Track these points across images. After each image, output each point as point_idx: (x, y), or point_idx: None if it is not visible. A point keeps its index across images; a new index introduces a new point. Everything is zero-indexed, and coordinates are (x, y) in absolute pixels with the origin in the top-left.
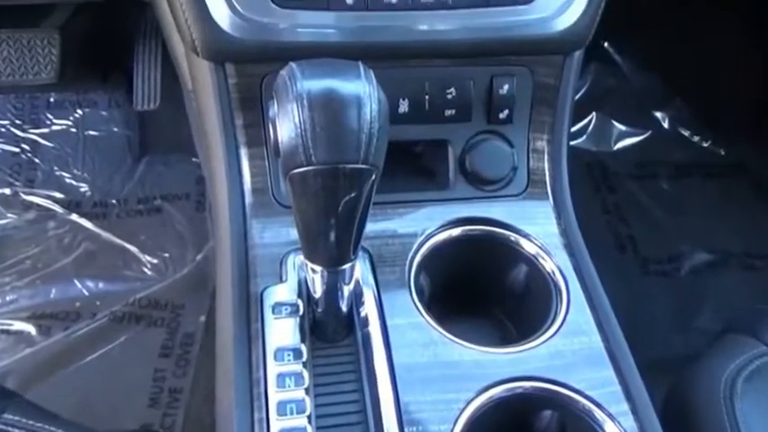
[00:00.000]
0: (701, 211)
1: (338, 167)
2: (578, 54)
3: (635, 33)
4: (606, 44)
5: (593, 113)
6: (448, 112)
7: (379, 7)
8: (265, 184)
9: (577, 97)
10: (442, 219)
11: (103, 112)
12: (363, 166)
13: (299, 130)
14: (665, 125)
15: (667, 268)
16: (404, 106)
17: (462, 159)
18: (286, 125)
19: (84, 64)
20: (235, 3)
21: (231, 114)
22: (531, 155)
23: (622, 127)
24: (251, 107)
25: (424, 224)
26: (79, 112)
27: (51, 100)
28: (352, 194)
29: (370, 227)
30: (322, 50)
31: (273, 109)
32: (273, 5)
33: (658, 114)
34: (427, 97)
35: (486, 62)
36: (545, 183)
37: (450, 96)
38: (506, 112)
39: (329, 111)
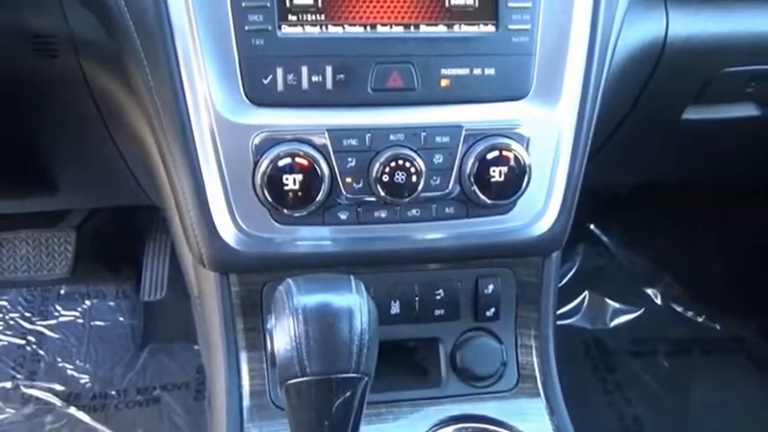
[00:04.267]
0: (703, 387)
1: (331, 378)
2: (556, 254)
3: (618, 214)
4: (592, 226)
5: (586, 292)
6: (437, 312)
7: (370, 221)
8: (263, 386)
9: (568, 277)
10: (436, 417)
11: (111, 303)
12: (355, 375)
13: (294, 343)
14: (658, 301)
15: None
16: (395, 308)
17: (453, 356)
18: (282, 338)
19: (96, 259)
20: (240, 221)
21: (233, 319)
22: (519, 350)
23: (616, 304)
24: (252, 313)
25: (418, 425)
26: (87, 303)
27: (62, 292)
28: (346, 400)
29: (365, 429)
30: (318, 260)
31: (271, 322)
32: (274, 222)
33: (650, 291)
34: (417, 299)
35: (471, 265)
36: (535, 378)
37: (438, 297)
38: (493, 309)
39: (323, 324)
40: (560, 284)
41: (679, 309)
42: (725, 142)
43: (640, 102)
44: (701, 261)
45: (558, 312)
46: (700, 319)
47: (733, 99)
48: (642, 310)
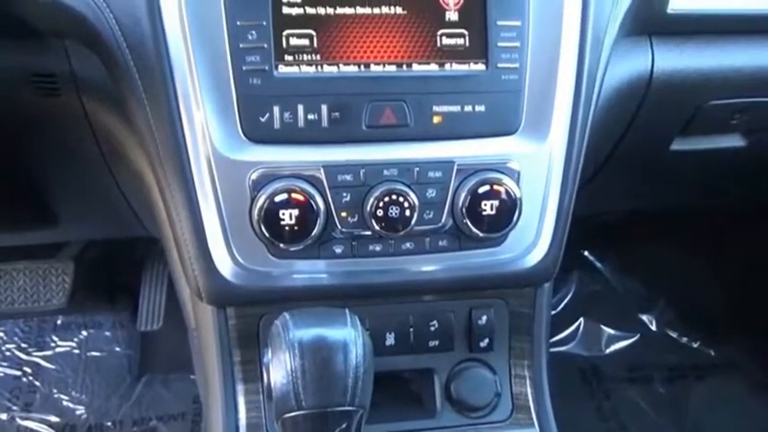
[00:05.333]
0: (700, 413)
1: (327, 411)
2: (548, 285)
3: (612, 240)
4: (586, 253)
5: (582, 319)
6: (432, 343)
7: (365, 254)
8: (260, 419)
9: (564, 304)
10: None
11: (107, 333)
12: (351, 408)
13: (290, 377)
14: (653, 327)
15: None
16: (390, 339)
17: (448, 387)
18: (279, 372)
19: (93, 289)
20: (237, 256)
21: (230, 352)
22: (513, 380)
23: (611, 330)
24: (248, 345)
25: None
26: (84, 333)
27: (59, 322)
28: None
29: None
30: (314, 293)
31: (268, 355)
32: (271, 256)
33: (644, 317)
34: (412, 330)
35: (465, 296)
36: (529, 408)
37: (433, 328)
38: (486, 340)
39: (318, 358)
40: (556, 311)
41: (674, 334)
42: (713, 171)
43: (629, 134)
44: (694, 286)
45: (554, 339)
46: (695, 345)
47: (719, 130)
48: (637, 336)
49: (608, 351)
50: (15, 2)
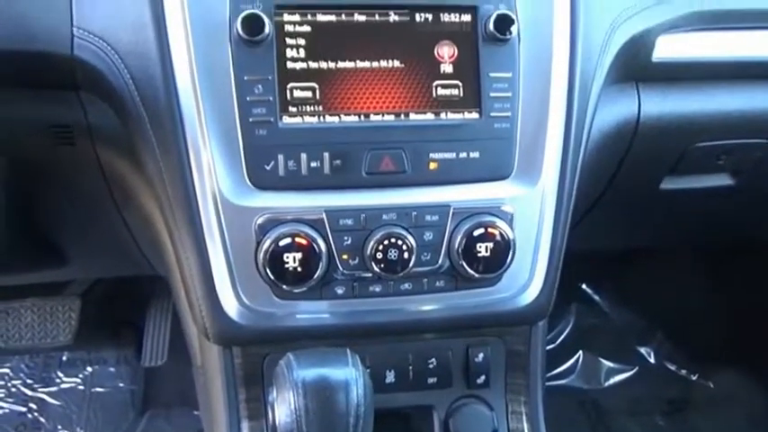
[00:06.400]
0: None
1: None
2: (542, 323)
3: (610, 274)
4: (585, 286)
5: (580, 352)
6: (430, 380)
7: (365, 295)
8: None
9: (563, 337)
10: None
11: (111, 369)
12: None
13: (294, 416)
14: (652, 360)
15: None
16: (390, 377)
17: (446, 423)
18: (283, 410)
19: (99, 325)
20: (243, 297)
21: (235, 390)
22: (510, 416)
23: (610, 363)
24: (253, 384)
25: None
26: (89, 369)
27: (64, 359)
28: None
29: None
30: (317, 333)
31: (273, 394)
32: (275, 298)
33: (643, 350)
34: (411, 368)
35: (462, 334)
36: None
37: (431, 366)
38: (483, 377)
39: (321, 397)
40: (555, 344)
41: (672, 367)
42: (705, 209)
43: (619, 175)
44: (691, 318)
45: (554, 373)
46: (693, 377)
47: (707, 170)
48: (636, 369)
49: (607, 384)
50: (37, 59)
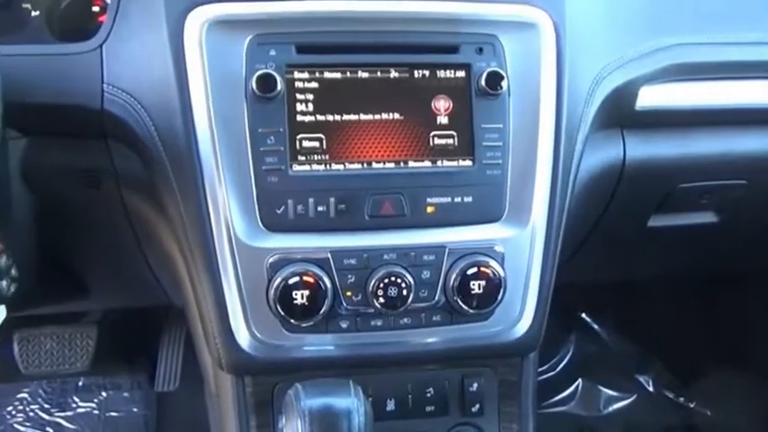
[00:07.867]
0: None
1: None
2: (533, 354)
3: (609, 304)
4: (584, 315)
5: (580, 379)
6: (428, 408)
7: (368, 329)
8: None
9: (563, 365)
10: None
11: (126, 394)
12: None
13: None
14: (650, 388)
15: None
16: (390, 405)
17: None
18: None
19: (114, 351)
20: (255, 330)
21: (247, 417)
22: None
23: (609, 391)
24: (263, 411)
25: None
26: (104, 394)
27: (80, 384)
28: None
29: None
30: (323, 363)
31: (282, 422)
32: (284, 331)
33: (641, 378)
34: (410, 396)
35: (457, 365)
36: None
37: (429, 395)
38: (477, 405)
39: (325, 424)
40: (555, 372)
41: (670, 394)
42: (692, 244)
43: (606, 213)
44: (689, 346)
45: (553, 400)
46: (691, 405)
47: (691, 209)
48: (635, 396)
49: (606, 411)
50: (71, 111)
